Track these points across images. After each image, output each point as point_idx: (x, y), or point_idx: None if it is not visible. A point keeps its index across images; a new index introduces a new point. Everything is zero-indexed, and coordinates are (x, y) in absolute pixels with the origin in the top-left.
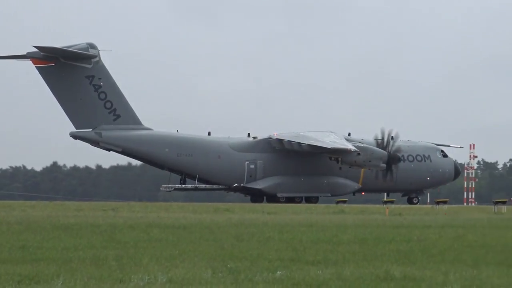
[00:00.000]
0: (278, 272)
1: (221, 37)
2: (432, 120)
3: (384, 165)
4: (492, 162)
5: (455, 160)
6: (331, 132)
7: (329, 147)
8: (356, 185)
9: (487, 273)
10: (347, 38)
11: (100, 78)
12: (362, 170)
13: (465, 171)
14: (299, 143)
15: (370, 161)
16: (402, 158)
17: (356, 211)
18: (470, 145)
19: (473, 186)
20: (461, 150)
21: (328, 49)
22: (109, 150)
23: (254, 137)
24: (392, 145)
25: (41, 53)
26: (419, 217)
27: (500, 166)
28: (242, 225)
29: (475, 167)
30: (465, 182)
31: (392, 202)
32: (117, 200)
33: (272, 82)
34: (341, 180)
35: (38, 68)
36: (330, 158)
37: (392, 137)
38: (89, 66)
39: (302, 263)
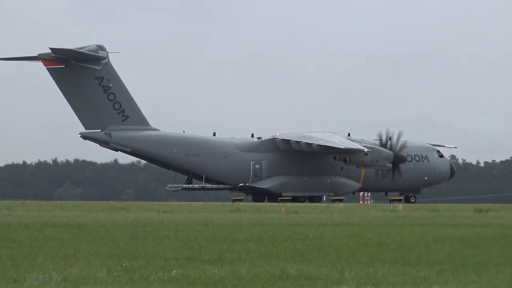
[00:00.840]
0: (174, 271)
1: (117, 35)
2: (331, 117)
3: (390, 165)
4: None
5: (450, 160)
6: (333, 132)
7: (342, 147)
8: (357, 185)
9: (383, 271)
10: (244, 37)
11: (109, 80)
12: (363, 169)
13: None
14: (309, 144)
15: (377, 161)
16: (407, 158)
17: (252, 209)
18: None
19: None
20: None
21: (224, 48)
22: (117, 150)
23: (258, 138)
24: (397, 146)
25: (52, 55)
26: (315, 215)
27: None
28: (137, 224)
29: None
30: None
31: (288, 200)
32: (12, 199)
33: (172, 81)
34: (343, 180)
35: (49, 70)
36: (335, 158)
37: (390, 137)
38: (99, 68)
39: (197, 261)
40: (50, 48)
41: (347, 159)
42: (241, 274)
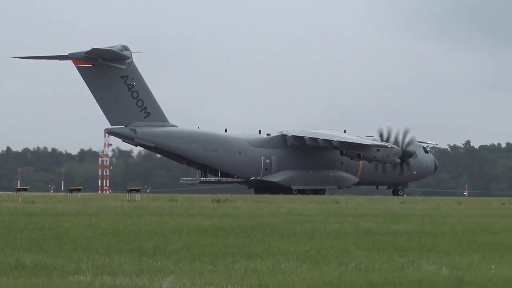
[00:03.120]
0: None
1: None
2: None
3: (399, 160)
4: (127, 150)
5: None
6: (334, 129)
7: (369, 143)
8: (355, 178)
9: (119, 261)
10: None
11: (132, 78)
12: (360, 164)
13: (100, 158)
14: (328, 140)
15: (387, 156)
16: (415, 154)
17: None
18: (105, 133)
19: (108, 174)
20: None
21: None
22: (137, 145)
23: (267, 134)
24: (405, 142)
25: (82, 54)
26: (52, 205)
27: (135, 154)
28: None
29: (110, 155)
30: (100, 170)
31: (25, 189)
32: None
33: None
34: (344, 174)
35: (78, 68)
36: (342, 153)
37: (389, 134)
38: (123, 67)
39: None
40: (95, 49)
41: (361, 154)
42: None
